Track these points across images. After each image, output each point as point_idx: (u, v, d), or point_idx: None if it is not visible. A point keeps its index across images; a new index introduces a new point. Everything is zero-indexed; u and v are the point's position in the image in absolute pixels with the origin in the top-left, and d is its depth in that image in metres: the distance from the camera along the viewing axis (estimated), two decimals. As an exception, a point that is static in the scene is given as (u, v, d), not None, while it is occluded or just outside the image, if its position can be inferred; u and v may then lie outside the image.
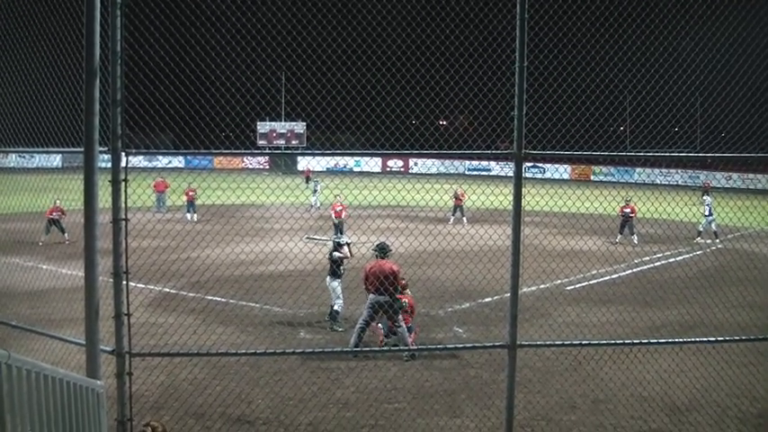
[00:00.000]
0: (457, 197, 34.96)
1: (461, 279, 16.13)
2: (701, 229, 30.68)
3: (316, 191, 40.82)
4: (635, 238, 29.31)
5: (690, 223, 25.30)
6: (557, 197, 19.01)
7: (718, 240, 29.73)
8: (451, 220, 34.64)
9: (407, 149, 13.90)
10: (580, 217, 19.04)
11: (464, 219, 34.38)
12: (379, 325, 14.55)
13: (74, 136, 8.63)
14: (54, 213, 26.91)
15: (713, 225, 30.45)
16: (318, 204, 39.99)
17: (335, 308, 15.87)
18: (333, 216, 30.29)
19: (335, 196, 28.87)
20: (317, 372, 12.88)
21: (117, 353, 8.39)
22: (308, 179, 52.50)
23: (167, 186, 36.85)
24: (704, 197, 32.05)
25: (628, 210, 29.53)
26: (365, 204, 31.22)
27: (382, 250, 14.51)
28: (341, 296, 15.93)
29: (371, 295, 13.97)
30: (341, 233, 26.66)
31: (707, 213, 30.65)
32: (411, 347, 13.55)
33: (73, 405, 6.72)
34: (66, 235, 27.00)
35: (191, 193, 34.26)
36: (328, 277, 16.28)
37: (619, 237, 29.43)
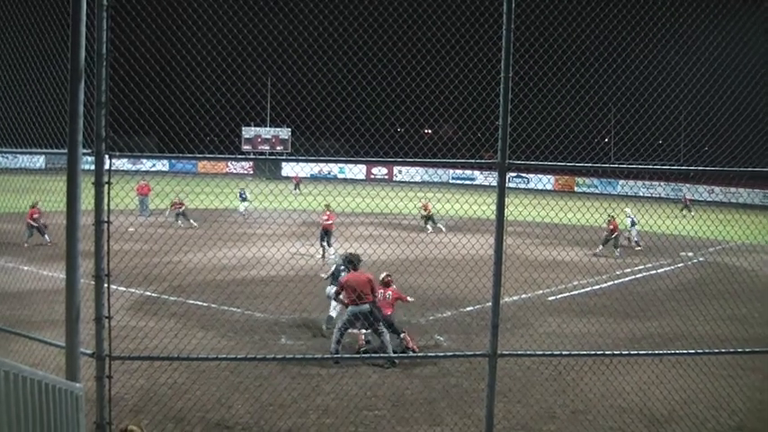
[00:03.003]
0: (424, 208, 34.71)
1: (443, 287, 16.16)
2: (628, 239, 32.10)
3: (244, 198, 38.63)
4: (617, 251, 29.46)
5: (672, 236, 25.41)
6: (540, 207, 19.11)
7: (639, 248, 31.21)
8: (430, 229, 34.32)
9: (392, 157, 13.95)
10: (563, 227, 19.14)
11: (440, 226, 34.06)
12: (362, 331, 14.57)
13: (57, 137, 8.62)
14: (33, 216, 26.70)
15: (634, 232, 32.01)
16: (243, 210, 37.83)
17: (330, 313, 15.89)
18: (322, 227, 29.25)
19: (326, 206, 28.20)
20: (297, 378, 12.86)
21: (97, 356, 8.37)
22: (296, 185, 52.21)
23: (150, 190, 36.45)
24: (626, 209, 32.75)
25: (611, 227, 29.56)
26: (348, 211, 31.18)
27: (351, 263, 14.53)
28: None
29: (350, 307, 13.94)
30: (329, 245, 26.57)
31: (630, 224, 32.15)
32: (391, 355, 13.57)
33: (51, 407, 6.69)
34: (46, 237, 26.81)
35: (175, 206, 33.38)
36: (329, 287, 16.38)
37: (600, 248, 29.50)
